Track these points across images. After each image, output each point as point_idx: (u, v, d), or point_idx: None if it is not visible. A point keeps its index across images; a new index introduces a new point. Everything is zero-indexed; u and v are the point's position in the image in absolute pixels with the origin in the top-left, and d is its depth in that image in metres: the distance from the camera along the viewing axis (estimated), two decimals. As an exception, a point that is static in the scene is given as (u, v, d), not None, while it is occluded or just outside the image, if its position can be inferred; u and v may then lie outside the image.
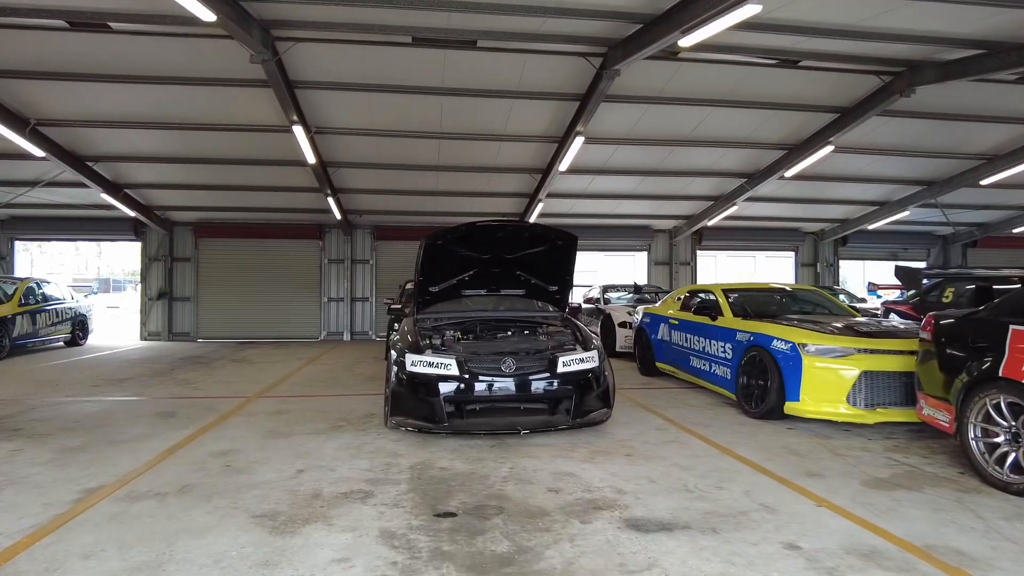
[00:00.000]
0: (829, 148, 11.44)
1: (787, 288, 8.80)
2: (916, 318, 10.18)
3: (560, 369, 5.44)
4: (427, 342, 5.72)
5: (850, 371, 5.83)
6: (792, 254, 18.96)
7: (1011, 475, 4.23)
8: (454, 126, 11.06)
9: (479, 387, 5.28)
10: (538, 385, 5.38)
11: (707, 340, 7.70)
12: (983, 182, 13.53)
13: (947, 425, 4.83)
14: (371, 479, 4.46)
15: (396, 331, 7.09)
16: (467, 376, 5.27)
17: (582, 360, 5.58)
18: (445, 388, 5.26)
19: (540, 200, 13.80)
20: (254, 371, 10.21)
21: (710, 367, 7.61)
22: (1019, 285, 8.70)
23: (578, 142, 10.61)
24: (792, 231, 18.46)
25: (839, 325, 6.52)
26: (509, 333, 6.28)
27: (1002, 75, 9.49)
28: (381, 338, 16.23)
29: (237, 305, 16.21)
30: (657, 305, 9.76)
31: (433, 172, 13.02)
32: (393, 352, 5.69)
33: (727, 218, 16.25)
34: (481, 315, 6.58)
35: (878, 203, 16.05)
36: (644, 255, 18.01)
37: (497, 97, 9.95)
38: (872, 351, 5.91)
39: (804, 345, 6.06)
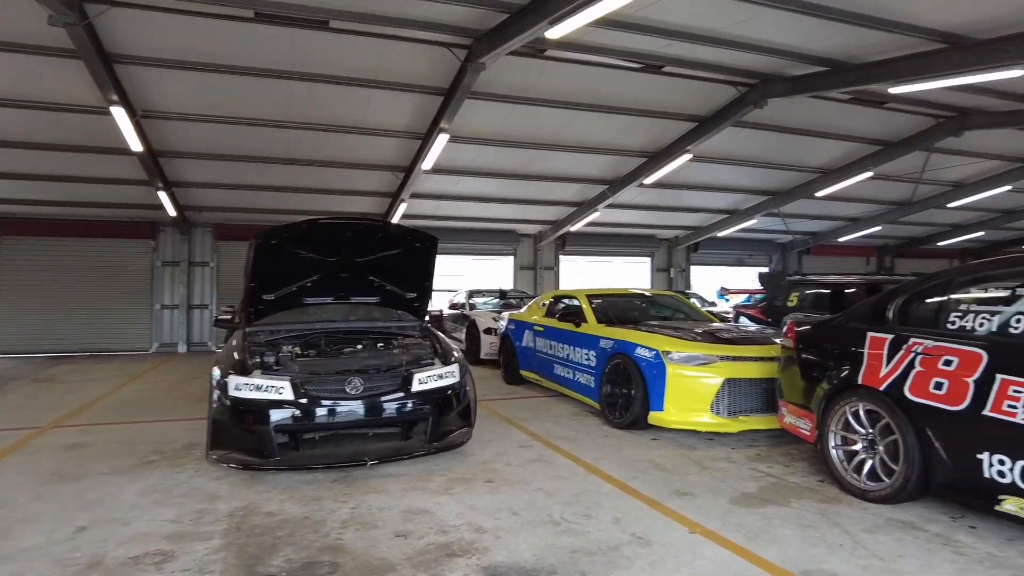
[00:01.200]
0: (687, 156, 11.73)
1: (647, 293, 8.79)
2: (765, 321, 10.62)
3: (416, 387, 4.83)
4: (256, 360, 4.88)
5: (713, 379, 5.73)
6: (648, 259, 19.59)
7: (868, 483, 4.19)
8: (306, 115, 10.06)
9: (319, 413, 4.54)
10: (390, 407, 4.73)
11: (571, 347, 7.42)
12: (818, 194, 14.60)
13: (808, 433, 4.78)
14: (175, 534, 3.61)
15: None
16: (304, 401, 4.51)
17: (441, 376, 5.01)
18: (277, 416, 4.47)
19: (403, 200, 13.06)
20: (58, 393, 8.64)
21: (574, 375, 7.33)
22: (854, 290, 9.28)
23: (442, 139, 10.04)
24: (648, 237, 19.05)
25: (700, 331, 6.46)
26: (359, 347, 5.57)
27: (837, 94, 10.18)
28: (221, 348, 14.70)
29: (49, 314, 13.90)
30: (522, 311, 9.42)
31: (283, 166, 11.87)
32: (215, 372, 4.81)
33: (589, 224, 16.40)
34: (326, 327, 5.81)
35: (728, 212, 16.92)
36: (510, 259, 17.79)
37: (354, 85, 9.12)
38: (734, 358, 5.85)
39: (668, 353, 5.89)
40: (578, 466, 4.99)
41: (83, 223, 14.02)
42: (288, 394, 4.51)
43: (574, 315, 7.53)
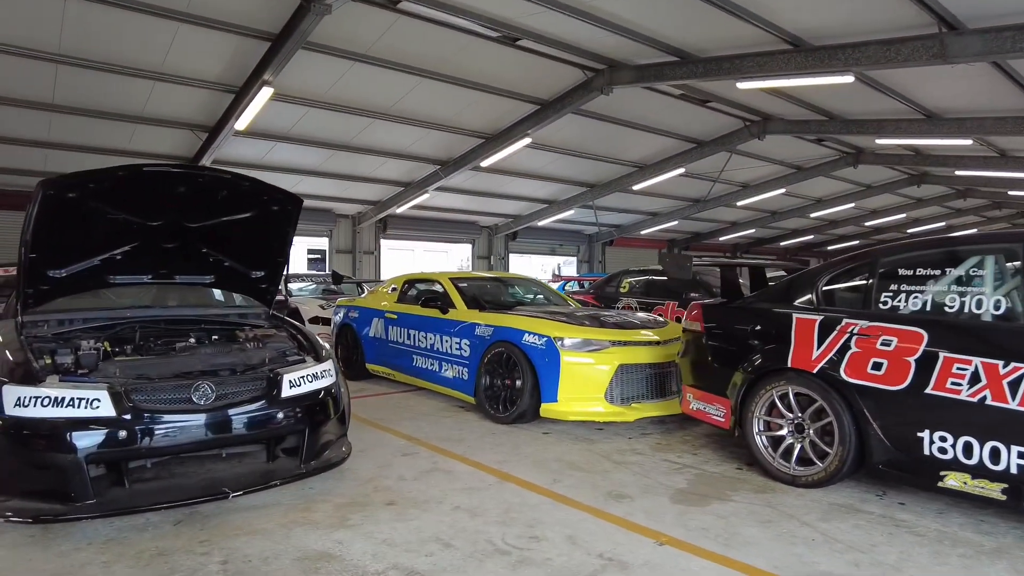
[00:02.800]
0: (526, 140, 11.47)
1: (509, 277, 8.27)
2: (598, 306, 10.73)
3: (287, 392, 3.72)
4: (47, 362, 3.42)
5: (606, 366, 5.35)
6: (469, 246, 19.28)
7: (797, 468, 4.05)
8: (82, 48, 7.87)
9: (156, 432, 3.25)
10: (254, 419, 3.56)
11: (436, 336, 6.63)
12: (635, 187, 15.33)
13: (721, 420, 4.57)
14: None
15: None
16: (130, 417, 3.19)
17: (316, 376, 3.94)
18: (88, 440, 3.10)
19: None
20: None
21: (440, 367, 6.56)
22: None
23: (265, 94, 8.52)
24: (471, 224, 18.72)
25: (585, 316, 6.07)
26: (191, 341, 4.25)
27: (668, 87, 10.55)
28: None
29: None
30: (365, 297, 8.37)
31: (46, 113, 9.31)
32: None
33: (415, 207, 15.54)
34: (140, 315, 4.36)
35: (548, 201, 17.13)
36: (325, 241, 16.25)
37: (151, 14, 7.25)
38: (624, 343, 5.52)
39: (560, 339, 5.39)
40: (485, 473, 4.27)
41: None
42: (107, 408, 3.16)
43: (439, 300, 6.73)
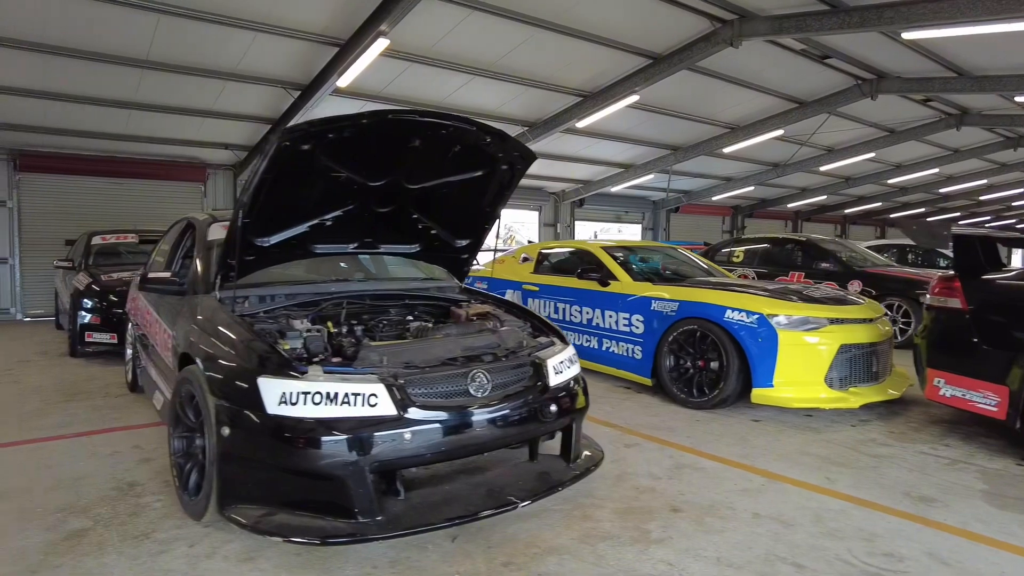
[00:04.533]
0: (633, 98, 10.70)
1: (651, 246, 7.65)
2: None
3: (553, 380, 3.19)
4: (297, 346, 2.92)
5: (827, 346, 4.77)
6: (536, 213, 18.59)
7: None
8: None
9: (439, 433, 2.74)
10: (528, 413, 3.03)
11: (595, 311, 6.10)
12: (726, 150, 14.49)
13: (994, 409, 3.99)
14: None
15: (144, 322, 3.93)
16: (412, 415, 2.69)
17: (571, 361, 3.41)
18: (369, 444, 2.60)
19: (293, 130, 10.48)
20: None
21: (600, 344, 6.04)
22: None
23: (378, 47, 7.85)
24: (537, 190, 17.96)
25: (783, 290, 5.48)
26: (409, 318, 3.75)
27: (791, 41, 9.70)
28: (33, 318, 11.13)
29: None
30: (487, 267, 7.81)
31: (136, 69, 8.75)
32: (209, 374, 2.82)
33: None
34: (347, 289, 3.85)
35: (625, 166, 16.33)
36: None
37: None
38: (842, 320, 4.93)
39: (774, 316, 4.81)
40: (739, 470, 3.75)
41: None
42: (385, 405, 2.65)
43: (595, 272, 6.17)
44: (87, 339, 6.89)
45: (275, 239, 3.47)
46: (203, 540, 2.80)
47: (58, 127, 10.45)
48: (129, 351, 5.65)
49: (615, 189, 17.62)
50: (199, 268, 3.80)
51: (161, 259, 5.03)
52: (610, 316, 5.93)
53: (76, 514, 3.06)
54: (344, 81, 8.79)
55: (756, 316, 4.82)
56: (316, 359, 2.92)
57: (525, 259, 7.32)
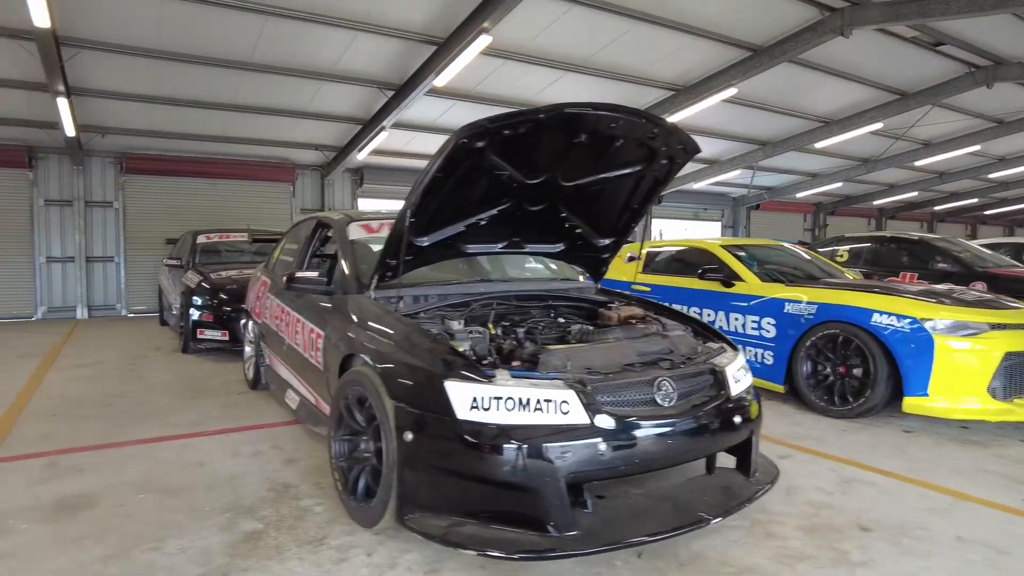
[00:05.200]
0: (730, 91, 10.32)
1: (768, 245, 7.30)
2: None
3: (734, 389, 3.00)
4: (466, 348, 2.83)
5: (990, 354, 4.39)
6: None
7: None
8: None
9: (630, 444, 2.59)
10: (713, 424, 2.85)
11: (720, 314, 5.84)
12: (817, 145, 13.88)
13: None
14: None
15: (278, 320, 3.90)
16: (604, 424, 2.54)
17: (745, 368, 3.21)
18: (564, 454, 2.47)
19: (383, 129, 10.56)
20: (-57, 388, 5.70)
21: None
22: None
23: (479, 44, 7.78)
24: None
25: (930, 292, 5.10)
26: (560, 320, 3.62)
27: (903, 28, 9.13)
28: (137, 314, 11.59)
29: None
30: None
31: (238, 72, 8.97)
32: (370, 376, 2.79)
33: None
34: (495, 289, 3.76)
35: (709, 161, 15.85)
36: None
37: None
38: (1005, 326, 4.54)
39: (929, 321, 4.46)
40: (915, 486, 3.46)
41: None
42: (577, 413, 2.51)
43: (717, 272, 5.91)
44: (199, 336, 7.06)
45: (433, 239, 3.40)
46: (379, 549, 2.73)
47: (160, 130, 10.85)
48: (248, 349, 5.74)
49: (697, 185, 17.15)
50: (346, 268, 3.77)
51: (289, 258, 5.05)
52: (735, 319, 5.66)
53: (244, 515, 3.05)
54: (441, 80, 8.77)
55: (908, 320, 4.49)
56: (484, 362, 2.81)
57: (631, 258, 7.10)
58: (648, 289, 6.62)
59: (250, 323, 5.60)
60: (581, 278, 4.37)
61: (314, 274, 3.81)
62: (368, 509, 2.83)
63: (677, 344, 3.14)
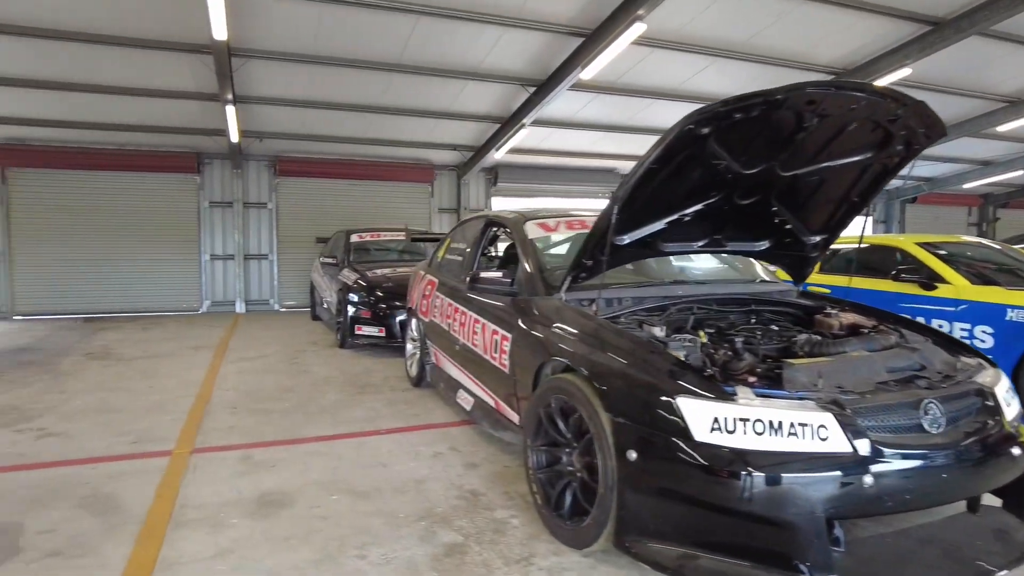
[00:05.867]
0: (903, 72, 9.29)
1: (964, 242, 6.47)
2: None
3: (1008, 414, 2.52)
4: (680, 357, 2.54)
5: None
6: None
7: None
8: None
9: (897, 477, 2.20)
10: (989, 456, 2.39)
11: (919, 319, 5.14)
12: (1000, 128, 12.31)
13: None
14: None
15: (451, 320, 3.74)
16: (868, 453, 2.17)
17: (1012, 390, 2.71)
18: (825, 487, 2.13)
19: (522, 127, 10.46)
20: (138, 379, 6.15)
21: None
22: None
23: (632, 33, 7.43)
24: (607, 172, 15.02)
25: None
26: (752, 322, 3.27)
27: None
28: (287, 308, 12.25)
29: (74, 267, 11.23)
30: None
31: (385, 73, 9.16)
32: (580, 386, 2.60)
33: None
34: (694, 292, 3.45)
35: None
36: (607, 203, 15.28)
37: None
38: None
39: None
40: None
41: (111, 153, 11.21)
42: (837, 439, 2.16)
43: (915, 272, 5.24)
44: (356, 332, 7.23)
45: (633, 236, 3.14)
46: (591, 573, 2.51)
47: (311, 133, 11.36)
48: (409, 346, 5.76)
49: None
50: (529, 268, 3.59)
51: (456, 257, 4.98)
52: (937, 326, 4.98)
53: (440, 524, 2.93)
54: (588, 73, 8.50)
55: None
56: (754, 378, 2.51)
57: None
58: (828, 291, 6.01)
59: (413, 321, 5.61)
60: (767, 277, 3.95)
61: (497, 274, 3.66)
62: (578, 529, 2.62)
63: (930, 359, 2.68)
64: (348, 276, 7.78)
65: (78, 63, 8.39)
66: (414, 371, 5.57)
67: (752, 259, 3.94)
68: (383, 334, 7.02)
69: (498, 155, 11.91)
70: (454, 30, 8.08)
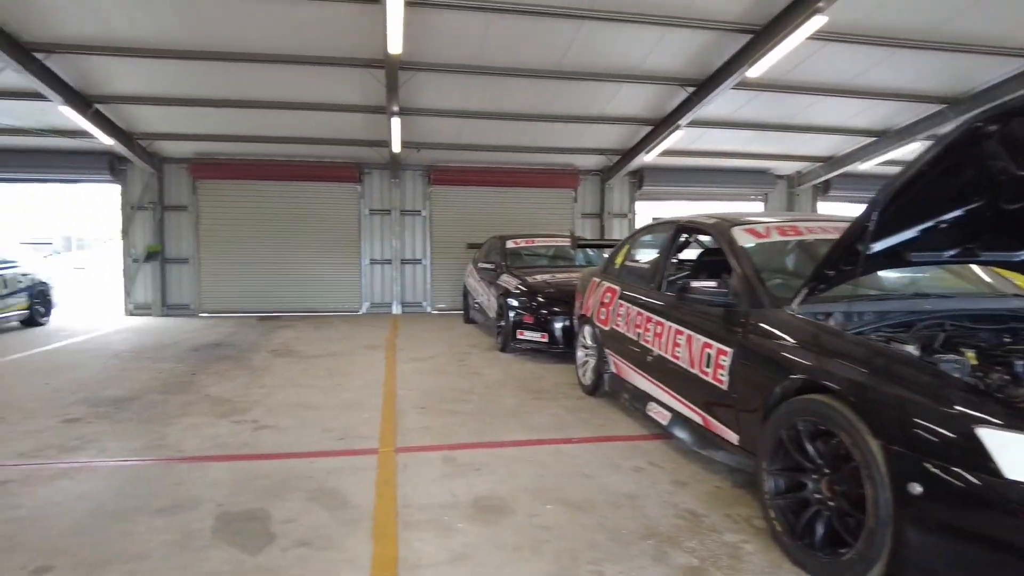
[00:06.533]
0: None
1: None
2: None
3: None
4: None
5: None
6: (760, 204, 14.78)
7: None
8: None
9: None
10: None
11: None
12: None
13: None
14: None
15: (641, 330, 3.57)
16: None
17: None
18: None
19: (677, 128, 10.16)
20: (324, 376, 6.56)
21: None
22: None
23: (811, 26, 6.98)
24: (760, 173, 14.19)
25: None
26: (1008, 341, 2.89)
27: None
28: (439, 311, 12.69)
29: (249, 269, 12.35)
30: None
31: (542, 81, 9.22)
32: (839, 409, 2.43)
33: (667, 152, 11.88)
34: (945, 307, 3.13)
35: (875, 132, 11.97)
36: (760, 206, 14.58)
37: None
38: None
39: None
40: None
41: (282, 164, 12.18)
42: None
43: None
44: (518, 336, 7.31)
45: (884, 245, 2.88)
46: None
47: (464, 143, 11.69)
48: (581, 353, 5.72)
49: (865, 166, 12.96)
50: (749, 279, 3.41)
51: (641, 264, 4.87)
52: None
53: (668, 545, 2.83)
54: (756, 71, 8.10)
55: None
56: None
57: None
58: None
59: (587, 328, 5.57)
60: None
61: (710, 284, 3.51)
62: (836, 562, 2.41)
63: None
64: (508, 281, 7.90)
65: (259, 81, 9.16)
66: (588, 379, 5.51)
67: (999, 270, 3.51)
68: (545, 339, 7.05)
69: (649, 158, 11.66)
70: (617, 32, 7.98)
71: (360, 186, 12.57)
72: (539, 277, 7.84)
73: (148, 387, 5.98)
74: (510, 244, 9.16)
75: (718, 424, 3.44)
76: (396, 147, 10.68)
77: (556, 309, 7.04)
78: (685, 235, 4.48)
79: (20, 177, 12.66)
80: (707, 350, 3.52)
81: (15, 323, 10.11)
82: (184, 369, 6.86)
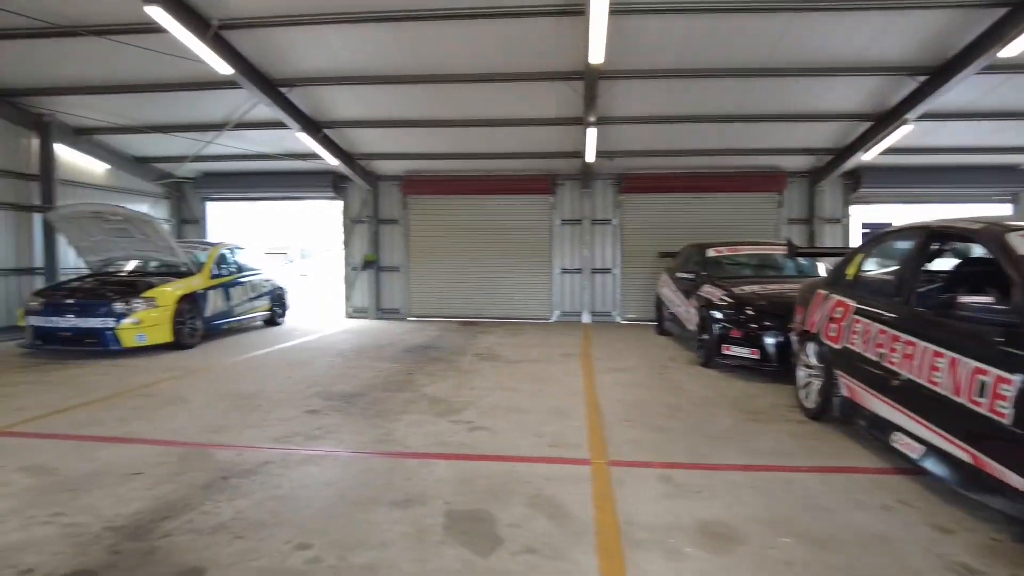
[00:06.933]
0: None
1: None
2: None
3: None
4: None
5: None
6: (1010, 206, 12.39)
7: None
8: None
9: None
10: None
11: None
12: None
13: None
14: None
15: (892, 352, 3.07)
16: None
17: None
18: None
19: (904, 122, 9.04)
20: (528, 381, 6.72)
21: None
22: None
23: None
24: (1007, 170, 11.88)
25: None
26: None
27: None
28: (628, 321, 12.53)
29: (451, 277, 13.20)
30: None
31: (748, 80, 8.71)
32: None
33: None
34: None
35: None
36: (1009, 209, 12.54)
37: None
38: None
39: None
40: None
41: (480, 179, 12.80)
42: None
43: None
44: (724, 351, 6.91)
45: None
46: None
47: (656, 149, 11.43)
48: (802, 373, 5.26)
49: None
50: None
51: (883, 276, 4.36)
52: None
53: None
54: (1012, 50, 6.95)
55: None
56: None
57: None
58: None
59: (810, 346, 5.11)
60: None
61: (987, 299, 3.01)
62: None
63: None
64: (711, 292, 7.53)
65: (462, 101, 9.71)
66: (812, 402, 5.05)
67: None
68: (756, 356, 6.59)
69: (868, 156, 10.52)
70: (834, 22, 7.31)
71: (553, 197, 12.82)
72: (747, 288, 7.38)
73: (371, 384, 6.54)
74: (710, 252, 8.74)
75: (994, 464, 2.93)
76: (590, 157, 10.73)
77: (768, 323, 6.56)
78: (938, 243, 3.92)
79: (264, 195, 14.66)
80: (980, 376, 3.02)
81: (259, 322, 11.69)
82: (401, 368, 7.42)
